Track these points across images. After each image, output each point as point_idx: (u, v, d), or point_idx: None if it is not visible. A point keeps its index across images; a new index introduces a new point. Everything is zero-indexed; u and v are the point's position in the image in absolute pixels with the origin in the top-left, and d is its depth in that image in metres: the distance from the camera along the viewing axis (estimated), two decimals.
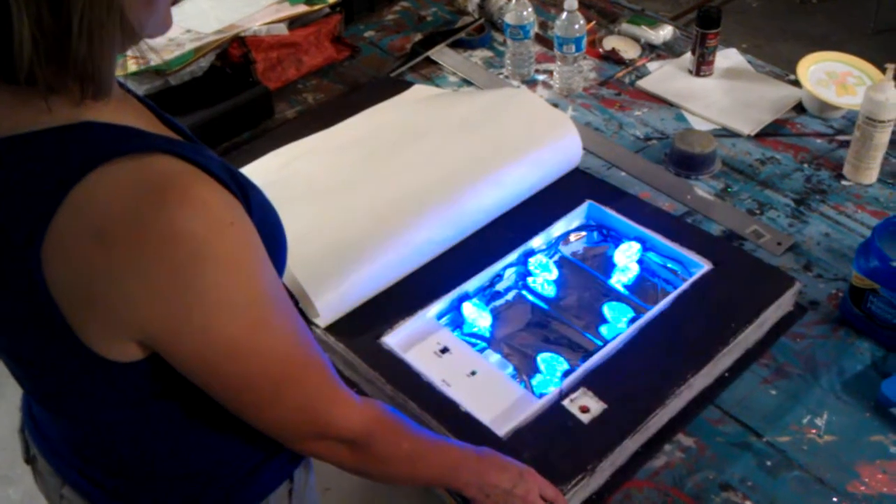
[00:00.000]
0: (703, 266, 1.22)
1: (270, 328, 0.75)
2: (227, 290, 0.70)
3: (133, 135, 0.70)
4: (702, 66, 1.70)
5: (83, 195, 0.66)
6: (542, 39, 1.85)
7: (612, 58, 1.78)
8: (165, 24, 0.74)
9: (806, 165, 1.48)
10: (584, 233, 1.35)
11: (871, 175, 1.43)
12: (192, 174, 0.69)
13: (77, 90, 0.68)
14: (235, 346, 0.73)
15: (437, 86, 1.73)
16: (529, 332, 1.23)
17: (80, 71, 0.66)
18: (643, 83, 1.70)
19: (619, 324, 1.21)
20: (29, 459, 1.01)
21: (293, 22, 1.74)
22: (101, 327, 0.71)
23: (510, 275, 1.28)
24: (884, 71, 1.37)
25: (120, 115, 0.72)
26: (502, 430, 1.03)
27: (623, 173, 1.48)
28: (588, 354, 1.14)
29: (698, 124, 1.60)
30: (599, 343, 1.18)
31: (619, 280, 1.28)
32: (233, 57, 1.67)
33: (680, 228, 1.30)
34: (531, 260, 1.28)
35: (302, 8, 1.75)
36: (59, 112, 0.69)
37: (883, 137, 1.38)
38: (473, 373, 1.11)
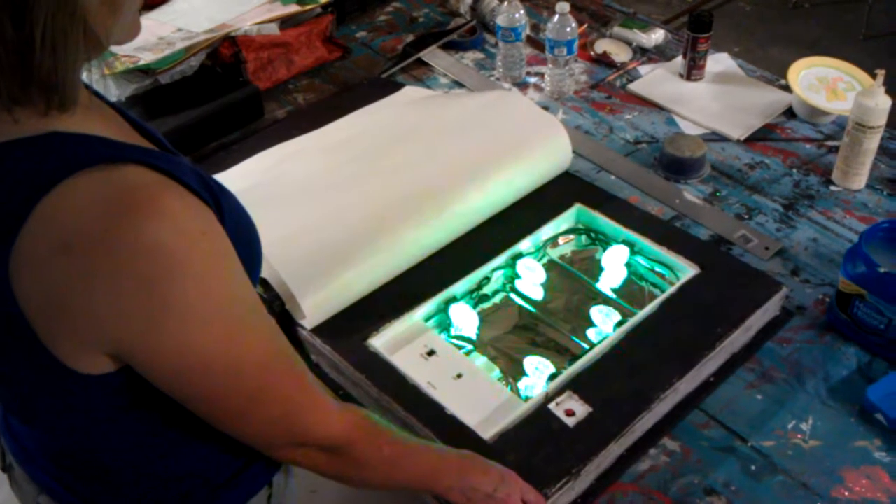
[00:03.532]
0: (690, 270, 1.22)
1: (244, 338, 0.74)
2: (199, 302, 0.69)
3: (102, 145, 0.69)
4: (693, 70, 1.70)
5: (51, 207, 0.65)
6: (534, 42, 1.85)
7: (604, 61, 1.78)
8: (133, 31, 0.72)
9: (795, 170, 1.49)
10: (572, 236, 1.35)
11: (860, 181, 1.43)
12: (161, 184, 0.68)
13: (42, 102, 0.66)
14: (209, 357, 0.72)
15: (429, 87, 1.73)
16: (516, 335, 1.23)
17: (44, 82, 0.65)
18: (634, 87, 1.71)
19: (606, 327, 1.21)
20: (5, 467, 1.00)
21: (284, 22, 1.73)
22: (72, 340, 0.70)
23: (498, 277, 1.28)
24: (874, 76, 1.37)
25: (88, 124, 0.71)
26: (488, 433, 1.03)
27: (612, 177, 1.48)
28: (575, 358, 1.14)
29: (688, 128, 1.60)
30: (586, 346, 1.18)
31: (606, 284, 1.28)
32: (223, 56, 1.66)
33: (668, 232, 1.30)
34: (519, 263, 1.28)
35: (293, 8, 1.75)
36: (25, 123, 0.67)
37: (872, 143, 1.39)
38: (459, 375, 1.11)
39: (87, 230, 0.65)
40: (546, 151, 1.39)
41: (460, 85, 1.74)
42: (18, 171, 0.66)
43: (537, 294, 1.27)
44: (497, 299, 1.27)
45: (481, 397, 1.08)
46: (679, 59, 1.73)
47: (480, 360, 1.18)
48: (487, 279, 1.26)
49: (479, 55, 1.84)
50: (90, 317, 0.67)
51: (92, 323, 0.68)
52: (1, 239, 0.66)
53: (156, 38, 1.66)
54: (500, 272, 1.28)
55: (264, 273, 1.14)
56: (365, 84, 1.71)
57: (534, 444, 1.02)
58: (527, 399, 1.08)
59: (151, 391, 0.74)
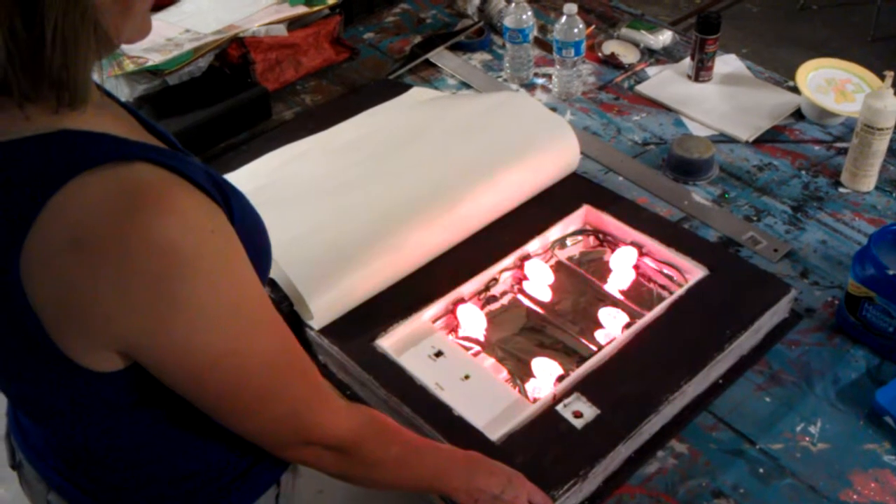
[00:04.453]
0: (699, 272, 1.22)
1: (253, 337, 0.74)
2: (209, 300, 0.69)
3: (112, 142, 0.70)
4: (701, 72, 1.69)
5: (62, 204, 0.65)
6: (542, 43, 1.85)
7: (611, 62, 1.78)
8: (144, 30, 0.73)
9: (804, 172, 1.48)
10: (580, 237, 1.35)
11: (869, 182, 1.43)
12: (172, 182, 0.68)
13: (53, 99, 0.67)
14: (217, 356, 0.72)
15: (436, 88, 1.73)
16: (524, 336, 1.22)
17: (55, 80, 0.65)
18: (642, 88, 1.70)
19: (613, 329, 1.21)
20: (15, 465, 1.00)
21: (292, 23, 1.74)
22: (81, 337, 0.70)
23: (506, 278, 1.27)
24: (882, 78, 1.37)
25: (99, 122, 0.71)
26: (495, 434, 1.03)
27: (620, 178, 1.48)
28: (583, 359, 1.14)
29: (697, 130, 1.59)
30: (594, 348, 1.18)
31: (614, 285, 1.28)
32: (231, 57, 1.66)
33: (676, 234, 1.29)
34: (527, 264, 1.28)
35: (301, 9, 1.75)
36: (36, 120, 0.68)
37: (881, 145, 1.38)
38: (467, 377, 1.11)
39: (97, 228, 0.65)
40: (554, 152, 1.39)
41: (468, 86, 1.74)
42: (29, 169, 0.67)
43: (545, 295, 1.27)
44: (505, 300, 1.27)
45: (489, 398, 1.08)
46: (687, 61, 1.73)
47: (488, 362, 1.18)
48: (495, 280, 1.26)
49: (486, 56, 1.84)
50: (99, 314, 0.68)
51: (101, 320, 0.68)
52: (12, 236, 0.66)
53: (164, 39, 1.66)
54: (508, 273, 1.28)
55: (272, 273, 1.14)
56: (372, 85, 1.71)
57: (541, 445, 1.02)
58: (534, 400, 1.08)
59: (160, 389, 0.75)
